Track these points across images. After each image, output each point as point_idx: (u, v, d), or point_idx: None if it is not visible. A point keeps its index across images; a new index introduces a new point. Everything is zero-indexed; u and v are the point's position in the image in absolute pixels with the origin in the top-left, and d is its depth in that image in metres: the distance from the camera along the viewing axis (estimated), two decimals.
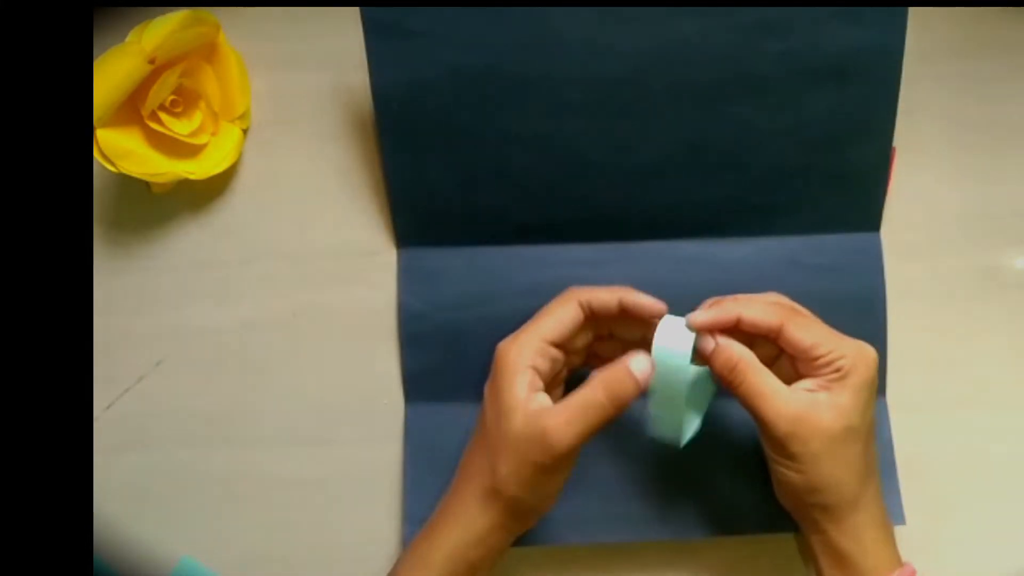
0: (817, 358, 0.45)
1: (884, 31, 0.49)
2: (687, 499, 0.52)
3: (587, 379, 0.45)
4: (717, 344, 0.45)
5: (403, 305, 0.53)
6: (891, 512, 0.49)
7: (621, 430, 0.50)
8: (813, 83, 0.50)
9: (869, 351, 0.46)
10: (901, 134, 0.54)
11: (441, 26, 0.49)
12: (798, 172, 0.52)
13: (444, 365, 0.52)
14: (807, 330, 0.45)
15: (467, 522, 0.46)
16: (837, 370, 0.45)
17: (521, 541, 0.49)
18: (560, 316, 0.47)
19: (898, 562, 0.46)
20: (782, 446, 0.44)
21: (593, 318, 0.48)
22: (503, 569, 0.50)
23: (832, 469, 0.44)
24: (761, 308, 0.46)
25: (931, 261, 0.55)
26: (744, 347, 0.45)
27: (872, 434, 0.46)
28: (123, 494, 0.53)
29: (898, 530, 0.48)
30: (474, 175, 0.52)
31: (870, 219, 0.53)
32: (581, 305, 0.48)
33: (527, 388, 0.46)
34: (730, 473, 0.52)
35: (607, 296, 0.48)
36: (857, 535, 0.45)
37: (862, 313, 0.52)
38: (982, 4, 0.54)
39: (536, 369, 0.46)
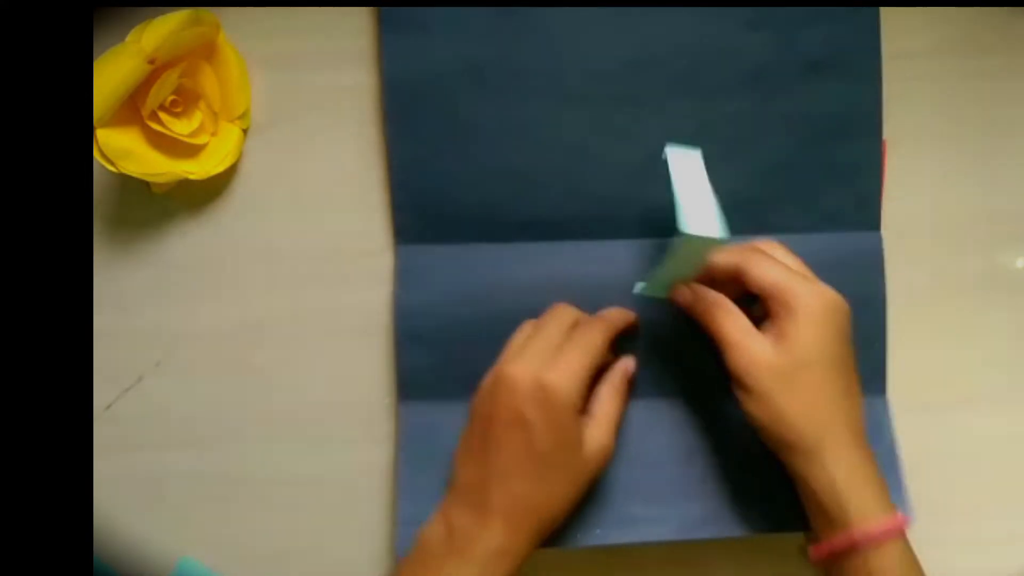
0: (771, 296, 0.46)
1: (858, 29, 0.52)
2: (692, 499, 0.51)
3: (595, 392, 0.49)
4: (695, 293, 0.49)
5: (399, 301, 0.53)
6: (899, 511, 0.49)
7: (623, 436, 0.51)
8: (800, 78, 0.52)
9: (829, 293, 0.47)
10: (901, 133, 0.54)
11: (450, 21, 0.51)
12: (793, 166, 0.53)
13: (440, 363, 0.52)
14: (767, 270, 0.47)
15: (484, 550, 0.45)
16: (785, 304, 0.46)
17: None
18: (600, 349, 0.49)
19: (885, 507, 0.45)
20: (738, 379, 0.46)
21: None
22: None
23: (785, 405, 0.45)
24: (726, 254, 0.48)
25: (931, 261, 0.55)
26: (717, 293, 0.48)
27: (841, 372, 0.46)
28: (123, 494, 0.53)
29: None
30: (477, 168, 0.52)
31: (869, 217, 0.53)
32: (610, 338, 0.50)
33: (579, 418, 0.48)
34: (737, 471, 0.52)
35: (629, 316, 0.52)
36: (829, 477, 0.45)
37: (861, 312, 0.52)
38: (982, 4, 0.54)
39: None
